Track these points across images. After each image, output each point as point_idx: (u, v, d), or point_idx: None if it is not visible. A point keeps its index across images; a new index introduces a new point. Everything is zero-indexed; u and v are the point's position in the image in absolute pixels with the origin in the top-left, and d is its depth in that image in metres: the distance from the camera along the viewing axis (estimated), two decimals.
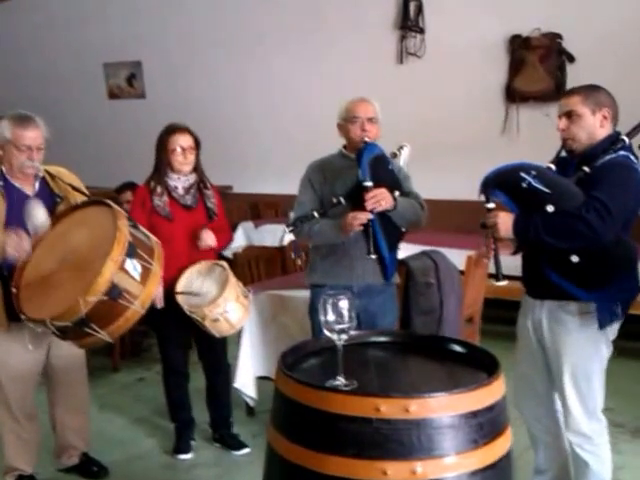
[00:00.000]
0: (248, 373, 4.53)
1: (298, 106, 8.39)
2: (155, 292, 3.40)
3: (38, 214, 3.43)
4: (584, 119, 3.01)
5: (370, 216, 3.44)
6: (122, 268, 3.15)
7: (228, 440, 4.32)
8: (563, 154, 3.14)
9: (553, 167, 3.05)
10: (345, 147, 3.75)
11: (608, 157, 2.95)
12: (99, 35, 9.71)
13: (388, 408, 2.00)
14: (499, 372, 2.20)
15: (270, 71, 8.57)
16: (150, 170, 4.10)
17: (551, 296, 3.08)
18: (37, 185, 3.63)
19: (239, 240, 7.52)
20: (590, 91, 3.05)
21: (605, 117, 3.01)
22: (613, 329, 3.08)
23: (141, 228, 3.47)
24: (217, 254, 4.30)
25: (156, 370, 5.23)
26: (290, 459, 2.15)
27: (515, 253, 3.15)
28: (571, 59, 6.77)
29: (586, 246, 2.88)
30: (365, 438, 2.02)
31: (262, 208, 8.67)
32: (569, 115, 3.04)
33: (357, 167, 3.50)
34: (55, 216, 3.54)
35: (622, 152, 2.97)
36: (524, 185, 2.87)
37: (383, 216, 3.53)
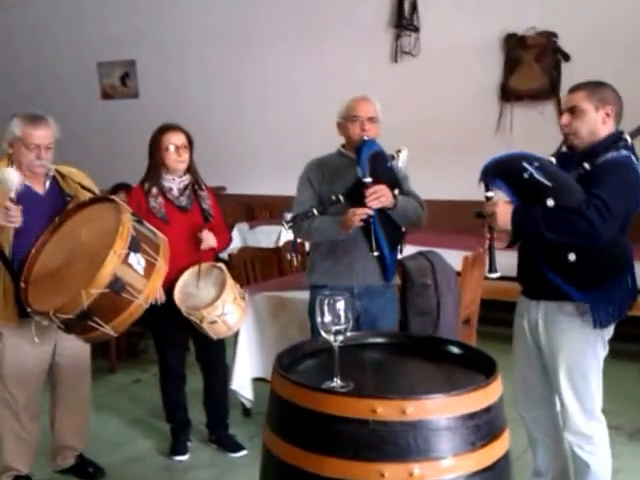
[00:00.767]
0: (245, 375, 4.52)
1: (292, 105, 8.38)
2: (159, 287, 3.42)
3: (10, 178, 3.37)
4: (587, 115, 2.98)
5: (370, 212, 3.43)
6: (125, 262, 3.19)
7: (225, 441, 4.32)
8: (564, 149, 3.11)
9: (554, 160, 3.03)
10: (344, 146, 3.74)
11: (610, 155, 2.93)
12: (93, 34, 9.71)
13: (385, 410, 1.99)
14: (496, 374, 2.19)
15: (264, 71, 8.57)
16: (144, 171, 4.09)
17: (547, 296, 3.07)
18: (48, 184, 3.66)
19: (235, 241, 7.46)
20: (595, 87, 3.03)
21: (608, 114, 2.99)
22: (609, 329, 3.07)
23: (147, 224, 3.52)
24: (216, 256, 4.29)
25: (152, 372, 5.23)
26: (286, 460, 2.14)
27: (508, 247, 3.10)
28: (566, 58, 6.78)
29: (584, 244, 2.86)
30: (362, 440, 2.01)
31: (257, 209, 8.64)
32: (572, 110, 3.02)
33: (356, 165, 3.49)
34: (64, 214, 3.58)
35: (624, 151, 2.95)
36: (525, 176, 2.83)
37: (383, 215, 3.52)
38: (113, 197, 3.54)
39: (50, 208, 3.61)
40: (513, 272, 3.22)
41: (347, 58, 7.89)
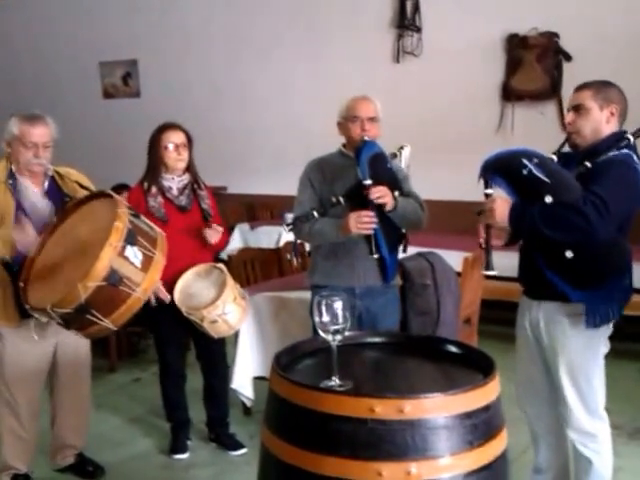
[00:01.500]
0: (245, 373, 4.53)
1: (294, 105, 8.38)
2: (157, 280, 3.41)
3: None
4: (592, 113, 2.99)
5: (370, 213, 3.42)
6: (122, 255, 3.18)
7: (225, 440, 4.32)
8: (566, 148, 3.11)
9: (555, 158, 3.02)
10: (344, 146, 3.74)
11: (611, 154, 2.93)
12: (95, 33, 9.72)
13: (383, 409, 1.99)
14: (494, 373, 2.19)
15: (266, 70, 8.57)
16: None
17: (547, 297, 3.07)
18: (46, 184, 3.67)
19: (235, 242, 7.49)
20: (601, 86, 3.03)
21: (612, 113, 3.00)
22: (609, 326, 3.07)
23: (143, 218, 3.50)
24: (214, 256, 4.29)
25: (152, 371, 5.23)
26: (284, 459, 2.15)
27: (507, 244, 3.09)
28: (568, 58, 6.77)
29: (581, 242, 2.85)
30: (360, 439, 2.01)
31: (258, 209, 8.64)
32: (577, 109, 3.02)
33: (356, 166, 3.49)
34: (63, 212, 3.58)
35: (625, 150, 2.95)
36: (524, 172, 2.83)
37: (383, 217, 3.51)
38: (110, 192, 3.52)
39: (49, 208, 3.61)
40: (513, 272, 3.22)
41: (349, 58, 7.88)
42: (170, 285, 3.91)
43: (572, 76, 6.36)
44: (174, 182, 4.04)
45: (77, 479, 3.99)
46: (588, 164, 2.93)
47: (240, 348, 4.50)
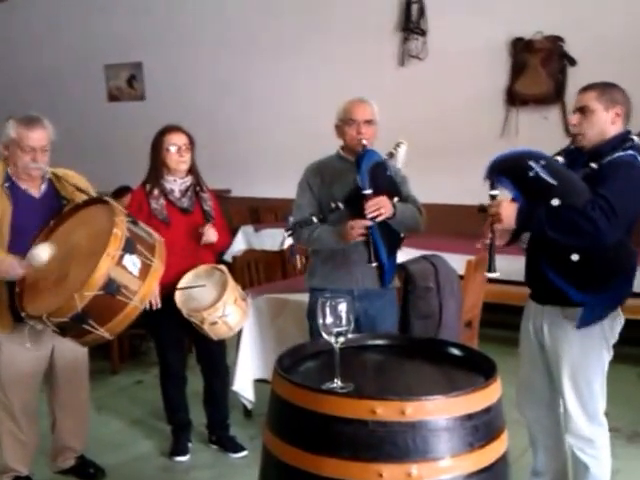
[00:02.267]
0: (246, 376, 4.53)
1: (299, 108, 8.38)
2: (155, 288, 3.38)
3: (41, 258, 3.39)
4: (597, 115, 2.98)
5: (368, 223, 3.43)
6: (120, 264, 3.14)
7: (225, 442, 4.32)
8: (572, 148, 3.10)
9: (561, 159, 3.01)
10: (343, 148, 3.74)
11: (617, 155, 2.92)
12: (100, 36, 9.72)
13: (384, 410, 2.00)
14: (496, 375, 2.19)
15: (271, 73, 8.57)
16: None
17: (552, 301, 3.07)
18: (43, 187, 3.63)
19: (239, 244, 7.51)
20: (606, 88, 3.03)
21: (617, 114, 2.99)
22: (614, 334, 3.07)
23: (142, 225, 3.47)
24: (216, 258, 4.29)
25: (154, 373, 5.22)
26: (286, 461, 2.15)
27: (509, 244, 3.07)
28: (572, 62, 6.77)
29: (588, 246, 2.84)
30: (361, 440, 2.02)
31: (262, 212, 8.65)
32: (582, 110, 3.01)
33: (356, 173, 3.49)
34: (59, 217, 3.55)
35: (630, 151, 2.94)
36: (531, 174, 2.82)
37: (382, 222, 3.51)
38: (107, 198, 3.48)
39: (46, 212, 3.57)
40: (514, 275, 3.21)
41: (354, 62, 7.88)
42: (171, 287, 3.91)
43: (576, 80, 6.30)
44: (176, 184, 4.04)
45: None
46: (594, 165, 2.93)
47: (241, 350, 4.50)
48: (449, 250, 5.43)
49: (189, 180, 4.08)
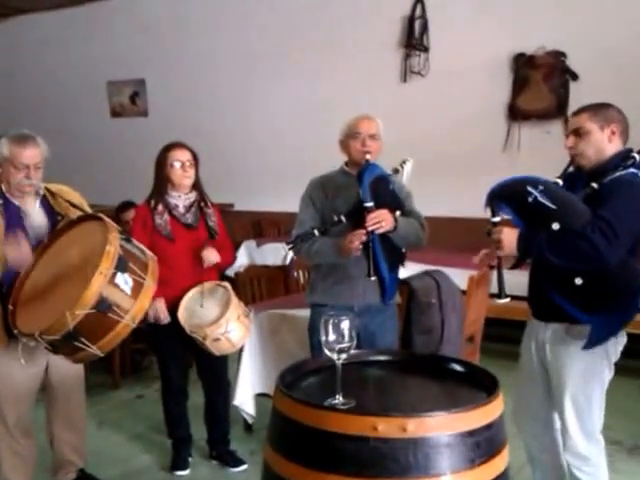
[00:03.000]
0: (247, 390, 4.52)
1: (301, 124, 8.40)
2: (147, 306, 3.36)
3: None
4: (592, 135, 2.98)
5: (363, 232, 3.41)
6: (112, 282, 3.12)
7: (225, 457, 4.30)
8: (571, 170, 3.09)
9: (560, 182, 3.01)
10: (347, 164, 3.75)
11: (618, 174, 2.91)
12: (103, 53, 9.77)
13: (385, 427, 1.99)
14: (498, 391, 2.19)
15: (273, 89, 8.60)
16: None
17: (555, 318, 3.06)
18: (37, 203, 3.61)
19: (242, 259, 7.50)
20: (599, 107, 3.02)
21: (614, 132, 2.98)
22: (616, 352, 3.05)
23: (135, 242, 3.45)
24: (220, 274, 4.29)
25: (155, 388, 5.23)
26: (286, 477, 2.14)
27: (513, 268, 3.08)
28: (574, 77, 6.79)
29: (591, 269, 2.83)
30: (362, 457, 2.01)
31: (265, 226, 8.65)
32: (577, 132, 3.01)
33: (358, 186, 3.49)
34: (52, 234, 3.53)
35: (631, 169, 2.93)
36: (530, 200, 2.82)
37: (383, 237, 3.50)
38: (101, 215, 3.45)
39: (46, 226, 3.55)
40: (518, 291, 3.20)
41: (356, 78, 7.91)
42: (174, 303, 3.91)
43: (578, 95, 6.38)
44: (180, 200, 4.05)
45: None
46: (595, 185, 2.91)
47: (242, 365, 4.49)
48: (451, 264, 5.43)
49: (193, 196, 4.09)
